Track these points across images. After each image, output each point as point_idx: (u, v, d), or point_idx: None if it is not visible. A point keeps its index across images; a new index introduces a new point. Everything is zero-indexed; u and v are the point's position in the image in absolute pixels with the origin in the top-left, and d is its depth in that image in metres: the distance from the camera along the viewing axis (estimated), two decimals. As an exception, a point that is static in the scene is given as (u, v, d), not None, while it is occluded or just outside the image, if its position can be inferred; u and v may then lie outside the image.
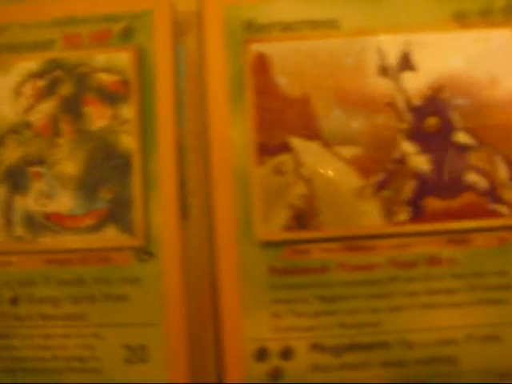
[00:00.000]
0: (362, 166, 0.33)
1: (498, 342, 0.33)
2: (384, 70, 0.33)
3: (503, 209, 0.33)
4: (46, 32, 0.34)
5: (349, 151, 0.33)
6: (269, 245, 0.33)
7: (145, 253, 0.33)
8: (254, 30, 0.33)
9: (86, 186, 0.33)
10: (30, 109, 0.34)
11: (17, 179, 0.33)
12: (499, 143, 0.33)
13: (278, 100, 0.33)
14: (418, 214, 0.33)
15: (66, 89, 0.34)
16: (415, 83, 0.33)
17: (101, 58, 0.34)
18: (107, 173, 0.33)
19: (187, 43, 0.34)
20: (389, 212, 0.33)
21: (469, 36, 0.33)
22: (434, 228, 0.32)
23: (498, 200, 0.33)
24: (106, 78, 0.34)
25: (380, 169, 0.33)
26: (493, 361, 0.33)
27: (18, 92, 0.34)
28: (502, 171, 0.33)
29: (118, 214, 0.33)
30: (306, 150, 0.33)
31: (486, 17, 0.34)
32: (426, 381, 0.32)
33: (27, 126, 0.34)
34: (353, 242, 0.32)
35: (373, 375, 0.32)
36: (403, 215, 0.33)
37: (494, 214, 0.33)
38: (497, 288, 0.33)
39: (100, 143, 0.33)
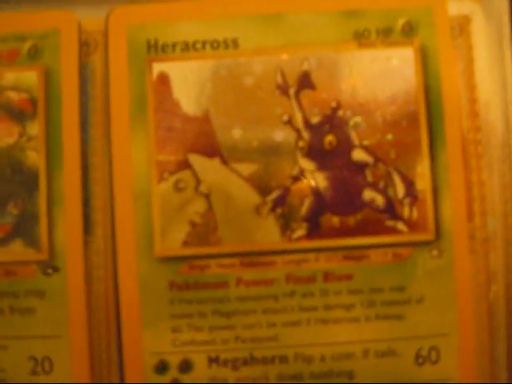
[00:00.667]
0: (260, 183, 0.33)
1: (394, 356, 0.33)
2: (283, 89, 0.34)
3: (400, 225, 0.33)
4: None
5: (247, 168, 0.33)
6: (168, 260, 0.33)
7: (50, 267, 0.34)
8: (156, 49, 0.34)
9: (-7, 201, 0.34)
10: None
11: None
12: (396, 160, 0.33)
13: (179, 118, 0.34)
14: (314, 230, 0.33)
15: (-26, 106, 0.35)
16: (314, 101, 0.34)
17: (9, 76, 0.35)
18: (14, 188, 0.34)
19: (94, 62, 0.35)
20: (286, 228, 0.33)
21: (368, 55, 0.34)
22: (331, 244, 0.33)
23: (395, 217, 0.33)
24: (14, 96, 0.34)
25: (277, 186, 0.33)
26: (389, 376, 0.33)
27: None
28: (399, 188, 0.33)
29: (24, 228, 0.34)
30: (206, 167, 0.33)
31: (387, 36, 0.34)
32: (323, 394, 0.33)
33: None
34: (250, 257, 0.33)
35: (270, 388, 0.33)
36: (300, 232, 0.33)
37: (391, 231, 0.33)
38: (393, 303, 0.33)
39: (7, 159, 0.34)
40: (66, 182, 0.34)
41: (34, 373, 0.34)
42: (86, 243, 0.34)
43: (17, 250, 0.34)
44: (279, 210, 0.33)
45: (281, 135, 0.33)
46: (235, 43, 0.34)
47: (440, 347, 0.33)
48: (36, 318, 0.34)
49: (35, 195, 0.34)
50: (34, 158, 0.34)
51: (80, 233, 0.34)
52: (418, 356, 0.33)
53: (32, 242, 0.34)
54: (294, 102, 0.34)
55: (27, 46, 0.35)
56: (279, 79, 0.34)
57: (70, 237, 0.34)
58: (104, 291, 0.34)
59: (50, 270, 0.34)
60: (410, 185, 0.33)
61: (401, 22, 0.34)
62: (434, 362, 0.33)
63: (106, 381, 0.34)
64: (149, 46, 0.34)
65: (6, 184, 0.34)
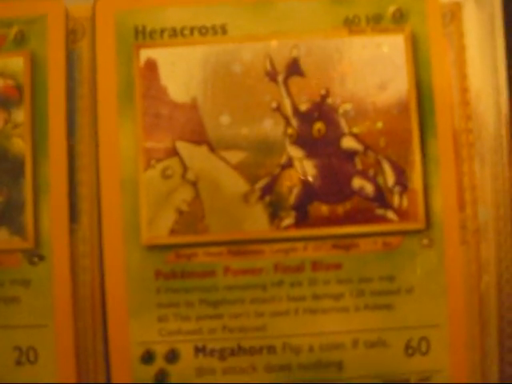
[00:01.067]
0: (248, 171, 0.33)
1: (384, 347, 0.33)
2: (272, 76, 0.33)
3: (390, 214, 0.33)
4: None
5: (235, 156, 0.33)
6: (155, 249, 0.33)
7: (35, 255, 0.33)
8: (144, 35, 0.34)
9: (-22, 188, 0.34)
10: None
11: None
12: (386, 149, 0.33)
13: (166, 105, 0.33)
14: (303, 219, 0.33)
15: (-39, 93, 0.34)
16: (303, 89, 0.33)
17: (-5, 62, 0.34)
18: (0, 176, 0.34)
19: (81, 49, 0.34)
20: (274, 217, 0.33)
21: (359, 42, 0.33)
22: (319, 233, 0.33)
23: (385, 205, 0.33)
24: (-1, 83, 0.34)
25: (266, 174, 0.33)
26: (378, 366, 0.33)
27: None
28: (388, 176, 0.33)
29: (9, 216, 0.33)
30: (193, 155, 0.33)
31: (377, 23, 0.34)
32: (311, 385, 0.33)
33: None
34: (238, 246, 0.33)
35: (258, 379, 0.33)
36: (288, 220, 0.33)
37: (381, 219, 0.33)
38: (383, 293, 0.33)
39: (-8, 145, 0.34)
40: (52, 170, 0.33)
41: (18, 363, 0.33)
42: (72, 231, 0.33)
43: (2, 238, 0.34)
44: (267, 198, 0.33)
45: (269, 122, 0.33)
46: (224, 30, 0.33)
47: (430, 338, 0.33)
48: (21, 307, 0.33)
49: (21, 183, 0.33)
50: (20, 145, 0.34)
51: (66, 221, 0.33)
52: (407, 347, 0.33)
53: (17, 230, 0.33)
54: (282, 89, 0.33)
55: (13, 31, 0.34)
56: (268, 66, 0.33)
57: (55, 225, 0.33)
58: (90, 280, 0.33)
59: (35, 259, 0.33)
60: (400, 173, 0.33)
61: (391, 8, 0.34)
62: (424, 353, 0.33)
63: (92, 371, 0.33)
64: (136, 32, 0.34)
65: (-8, 169, 0.34)
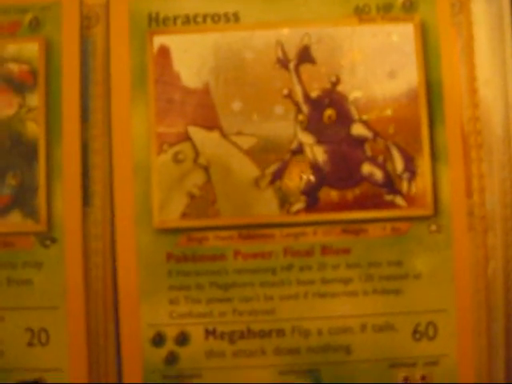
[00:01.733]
0: (259, 156, 0.33)
1: (392, 331, 0.33)
2: (283, 63, 0.34)
3: (399, 200, 0.33)
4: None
5: (246, 141, 0.33)
6: (166, 232, 0.33)
7: (48, 238, 0.34)
8: (157, 22, 0.34)
9: (-8, 171, 0.34)
10: None
11: None
12: (395, 135, 0.33)
13: (179, 91, 0.34)
14: (313, 204, 0.33)
15: (-25, 78, 0.35)
16: (314, 76, 0.34)
17: (10, 48, 0.35)
18: (13, 159, 0.34)
19: (95, 35, 0.35)
20: (284, 202, 0.33)
21: (369, 30, 0.34)
22: (329, 218, 0.33)
23: (394, 191, 0.33)
24: (14, 68, 0.34)
25: (276, 159, 0.33)
26: (386, 350, 0.33)
27: None
28: (398, 163, 0.33)
29: (22, 200, 0.34)
30: (205, 140, 0.33)
31: (387, 12, 0.34)
32: (319, 368, 0.33)
33: None
34: (248, 230, 0.33)
35: (267, 362, 0.33)
36: (298, 205, 0.33)
37: (390, 205, 0.33)
38: (391, 278, 0.33)
39: (7, 131, 0.34)
40: (66, 153, 0.34)
41: (30, 344, 0.34)
42: (85, 214, 0.34)
43: (15, 221, 0.34)
44: (278, 183, 0.33)
45: (280, 109, 0.33)
46: (236, 17, 0.34)
47: (437, 323, 0.33)
48: (33, 289, 0.34)
49: (34, 166, 0.34)
50: (34, 129, 0.34)
51: (79, 204, 0.34)
52: (415, 331, 0.33)
53: (30, 213, 0.34)
54: (293, 76, 0.34)
55: (28, 17, 0.35)
56: (279, 53, 0.34)
57: (68, 208, 0.34)
58: (102, 263, 0.34)
59: (48, 242, 0.34)
60: (408, 160, 0.33)
61: (401, -3, 0.34)
62: (432, 338, 0.33)
63: (103, 353, 0.34)
64: (150, 19, 0.34)
65: (5, 155, 0.34)
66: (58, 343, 0.34)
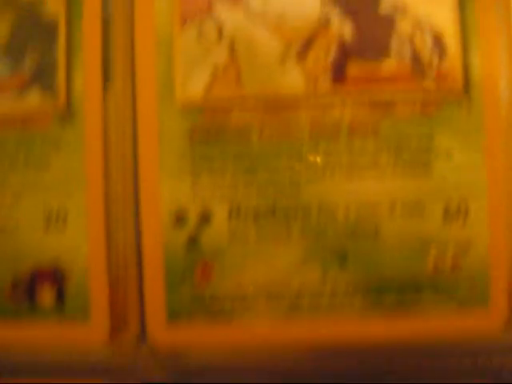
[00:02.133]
0: (285, 30, 0.32)
1: (421, 213, 0.32)
2: None
3: (428, 78, 0.32)
4: None
5: (271, 16, 0.32)
6: (189, 108, 0.32)
7: (67, 115, 0.33)
8: None
9: (12, 51, 0.33)
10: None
11: None
12: (425, 12, 0.32)
13: (203, -35, 0.33)
14: (340, 78, 0.32)
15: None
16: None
17: None
18: (33, 37, 0.33)
19: None
20: (311, 76, 0.32)
21: None
22: (356, 92, 0.32)
23: (423, 68, 0.32)
24: None
25: (302, 34, 0.32)
26: (415, 234, 0.32)
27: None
28: (427, 41, 0.32)
29: (41, 78, 0.33)
30: (230, 15, 0.33)
31: None
32: (346, 253, 0.32)
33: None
34: (274, 103, 0.32)
35: (292, 246, 0.32)
36: (325, 79, 0.32)
37: (418, 84, 0.32)
38: (421, 159, 0.32)
39: (26, 7, 0.33)
40: (86, 30, 0.33)
41: (48, 227, 0.33)
42: (105, 91, 0.33)
43: (34, 100, 0.33)
44: (304, 58, 0.32)
45: (306, -16, 0.33)
46: None
47: (469, 204, 0.32)
48: (51, 170, 0.33)
49: (54, 45, 0.33)
50: (54, 7, 0.33)
51: (99, 80, 0.33)
52: (445, 212, 0.32)
53: (49, 91, 0.33)
54: (321, -49, 0.33)
55: None
56: None
57: (88, 84, 0.33)
58: (122, 140, 0.33)
59: (66, 119, 0.33)
60: (438, 37, 0.32)
61: None
62: (463, 220, 0.32)
63: (122, 237, 0.33)
64: None
65: (25, 32, 0.33)
66: (77, 227, 0.33)
